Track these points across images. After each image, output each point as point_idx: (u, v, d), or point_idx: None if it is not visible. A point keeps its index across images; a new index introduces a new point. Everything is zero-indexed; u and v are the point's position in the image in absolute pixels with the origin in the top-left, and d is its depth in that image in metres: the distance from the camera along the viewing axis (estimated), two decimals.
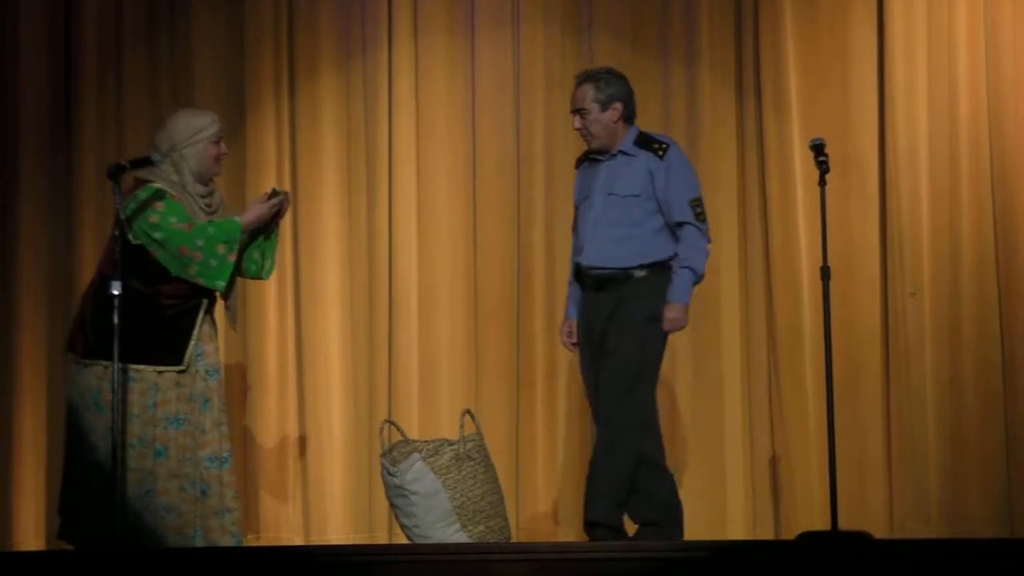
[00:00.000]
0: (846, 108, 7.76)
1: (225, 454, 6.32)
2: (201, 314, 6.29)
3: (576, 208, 6.54)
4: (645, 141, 6.47)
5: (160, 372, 6.21)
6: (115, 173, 6.06)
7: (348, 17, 7.97)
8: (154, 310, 6.20)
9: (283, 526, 7.74)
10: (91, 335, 6.19)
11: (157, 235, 6.16)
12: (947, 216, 7.58)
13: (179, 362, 6.22)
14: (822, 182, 6.25)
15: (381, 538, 7.60)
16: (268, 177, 7.87)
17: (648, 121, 7.84)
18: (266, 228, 6.35)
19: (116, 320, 5.88)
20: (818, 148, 6.30)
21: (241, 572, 5.43)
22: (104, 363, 6.11)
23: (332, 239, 7.88)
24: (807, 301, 7.61)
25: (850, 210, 7.69)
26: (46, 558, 6.24)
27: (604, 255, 6.39)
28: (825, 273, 6.21)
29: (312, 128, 7.94)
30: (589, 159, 6.54)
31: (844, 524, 6.19)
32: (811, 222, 7.52)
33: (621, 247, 6.38)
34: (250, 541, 7.61)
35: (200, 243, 6.16)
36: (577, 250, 6.49)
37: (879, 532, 7.06)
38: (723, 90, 7.88)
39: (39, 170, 7.92)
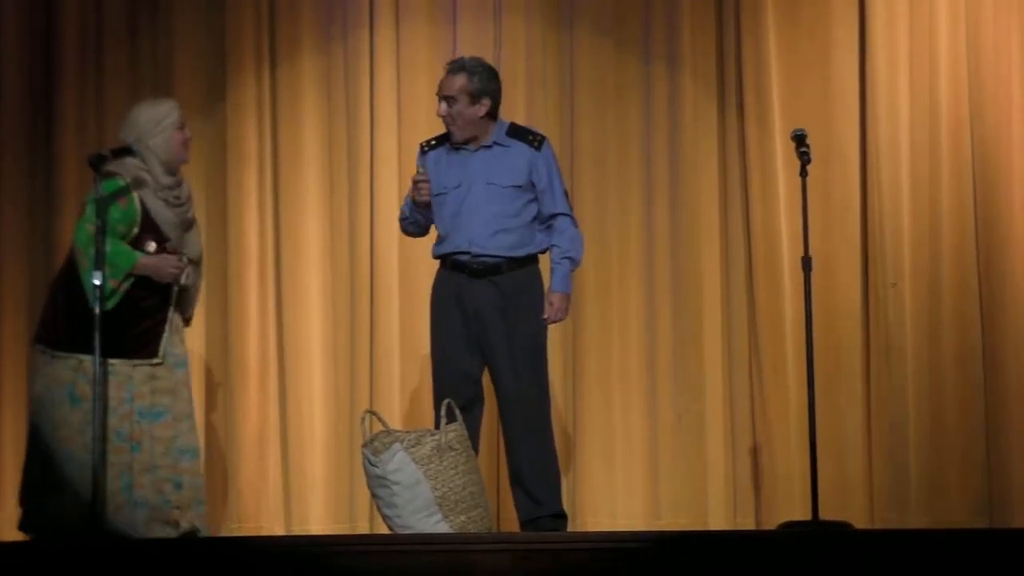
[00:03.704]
0: (827, 98, 7.76)
1: (195, 446, 6.36)
2: (172, 307, 6.31)
3: (433, 196, 6.48)
4: (518, 132, 6.58)
5: (135, 365, 6.21)
6: (96, 162, 6.09)
7: (329, 1, 7.95)
8: (128, 302, 6.20)
9: (264, 516, 7.72)
10: (63, 327, 6.20)
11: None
12: (928, 205, 7.59)
13: (154, 354, 6.24)
14: (803, 173, 6.26)
15: (362, 528, 7.60)
16: (249, 166, 7.85)
17: (629, 112, 7.88)
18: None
19: (98, 311, 5.91)
20: (799, 139, 6.32)
21: (221, 563, 5.42)
22: (79, 356, 6.13)
23: (313, 229, 7.86)
24: (788, 291, 7.62)
25: (831, 200, 7.70)
26: (25, 550, 6.23)
27: (488, 243, 6.42)
28: (806, 264, 6.23)
29: (292, 119, 7.91)
30: (450, 147, 6.54)
31: (825, 514, 6.22)
32: (792, 213, 7.52)
33: (505, 237, 6.44)
34: (231, 531, 7.61)
35: (92, 252, 6.08)
36: (446, 239, 6.48)
37: (859, 522, 7.09)
38: (704, 81, 7.87)
39: (19, 161, 7.88)
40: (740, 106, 7.83)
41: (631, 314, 7.81)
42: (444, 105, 6.47)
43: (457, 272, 6.47)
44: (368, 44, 7.91)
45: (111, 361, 6.15)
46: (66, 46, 7.93)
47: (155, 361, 6.25)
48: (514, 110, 7.80)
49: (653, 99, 7.87)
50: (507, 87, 7.82)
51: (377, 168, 7.85)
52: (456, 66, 6.50)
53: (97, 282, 5.94)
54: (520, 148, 6.51)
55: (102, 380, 6.06)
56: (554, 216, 6.51)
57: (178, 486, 6.25)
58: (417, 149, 6.65)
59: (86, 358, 6.10)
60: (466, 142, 6.50)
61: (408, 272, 7.75)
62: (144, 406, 6.21)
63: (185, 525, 6.24)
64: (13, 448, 7.75)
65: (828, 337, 7.48)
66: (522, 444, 6.45)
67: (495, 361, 6.46)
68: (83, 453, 6.10)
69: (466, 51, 7.79)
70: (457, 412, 6.26)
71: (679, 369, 7.76)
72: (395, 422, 7.40)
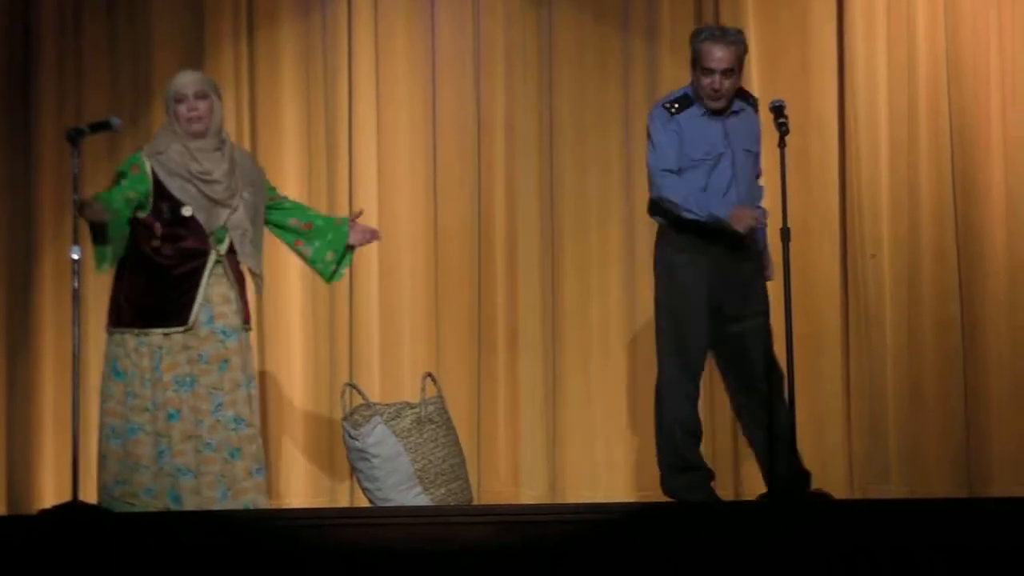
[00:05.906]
0: (805, 69, 7.76)
1: (247, 416, 6.36)
2: (206, 274, 6.31)
3: (695, 160, 6.33)
4: (743, 94, 6.48)
5: (166, 335, 6.27)
6: (74, 137, 6.10)
7: None
8: (158, 272, 6.26)
9: None
10: (112, 305, 6.36)
11: None
12: (906, 173, 7.62)
13: (184, 322, 6.26)
14: (782, 144, 6.26)
15: (342, 501, 7.60)
16: None
17: (608, 84, 7.87)
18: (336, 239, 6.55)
19: (76, 285, 5.98)
20: (778, 110, 6.30)
21: (200, 536, 5.42)
22: (121, 331, 6.31)
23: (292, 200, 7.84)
24: None
25: (810, 171, 7.71)
26: (6, 523, 6.24)
27: None
28: (785, 234, 6.23)
29: (270, 89, 7.87)
30: (701, 112, 6.36)
31: None
32: (771, 183, 7.52)
33: (753, 204, 6.39)
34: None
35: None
36: (713, 206, 6.27)
37: (839, 492, 7.10)
38: (683, 52, 7.79)
39: None
40: None
41: (611, 286, 7.80)
42: (721, 78, 6.28)
43: (716, 244, 6.30)
44: (346, 13, 7.87)
45: (145, 331, 6.28)
46: (44, 18, 7.88)
47: (184, 328, 6.29)
48: (493, 81, 7.80)
49: (632, 71, 7.86)
50: (485, 58, 7.83)
51: (355, 136, 7.82)
52: (730, 37, 6.31)
53: (75, 256, 5.98)
54: (750, 111, 6.46)
55: (137, 351, 6.28)
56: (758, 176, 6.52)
57: (233, 455, 6.30)
58: (662, 112, 6.39)
59: (127, 332, 6.29)
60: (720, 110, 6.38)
61: (387, 243, 7.72)
62: (179, 375, 6.28)
63: (249, 498, 6.32)
64: None
65: (807, 307, 7.49)
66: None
67: (731, 326, 6.38)
68: (124, 425, 6.26)
69: (444, 22, 7.81)
70: (438, 385, 6.25)
71: None
72: (374, 395, 7.39)
